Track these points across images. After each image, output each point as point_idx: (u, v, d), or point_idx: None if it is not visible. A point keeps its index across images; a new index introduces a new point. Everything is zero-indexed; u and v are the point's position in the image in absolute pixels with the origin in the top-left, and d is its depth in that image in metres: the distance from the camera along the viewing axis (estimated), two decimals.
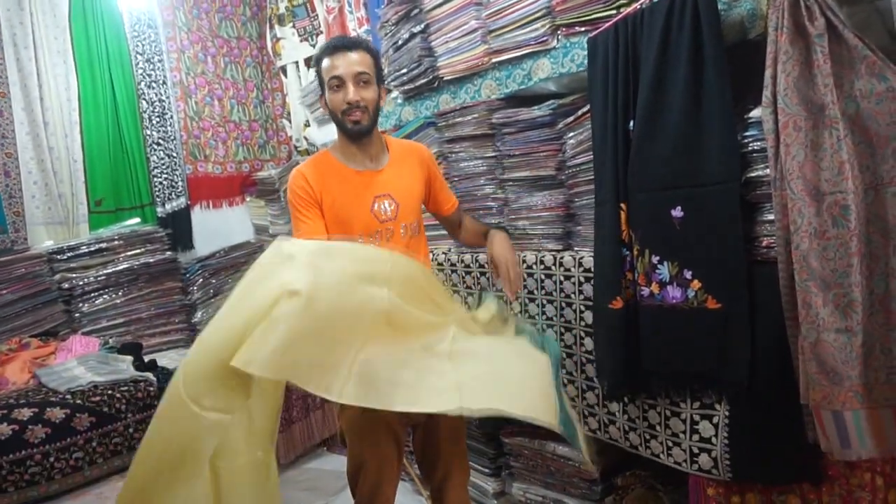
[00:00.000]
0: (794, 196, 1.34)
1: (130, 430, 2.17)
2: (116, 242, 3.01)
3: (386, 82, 2.89)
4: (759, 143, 1.50)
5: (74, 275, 2.86)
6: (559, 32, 2.02)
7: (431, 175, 1.82)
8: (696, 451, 1.67)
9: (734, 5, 1.58)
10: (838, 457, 1.37)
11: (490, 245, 1.75)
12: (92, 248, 2.94)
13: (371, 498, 1.72)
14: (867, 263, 1.26)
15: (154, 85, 3.44)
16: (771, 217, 1.47)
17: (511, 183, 2.27)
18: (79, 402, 2.11)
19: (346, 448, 1.78)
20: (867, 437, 1.32)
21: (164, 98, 3.49)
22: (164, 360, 2.74)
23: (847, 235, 1.28)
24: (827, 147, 1.32)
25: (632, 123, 1.71)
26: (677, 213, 1.60)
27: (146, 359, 2.64)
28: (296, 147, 3.97)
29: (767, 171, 1.44)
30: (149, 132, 3.41)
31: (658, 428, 1.78)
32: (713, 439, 1.63)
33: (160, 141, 3.45)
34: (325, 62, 1.63)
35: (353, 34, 3.25)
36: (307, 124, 3.70)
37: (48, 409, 2.03)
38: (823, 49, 1.32)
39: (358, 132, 1.65)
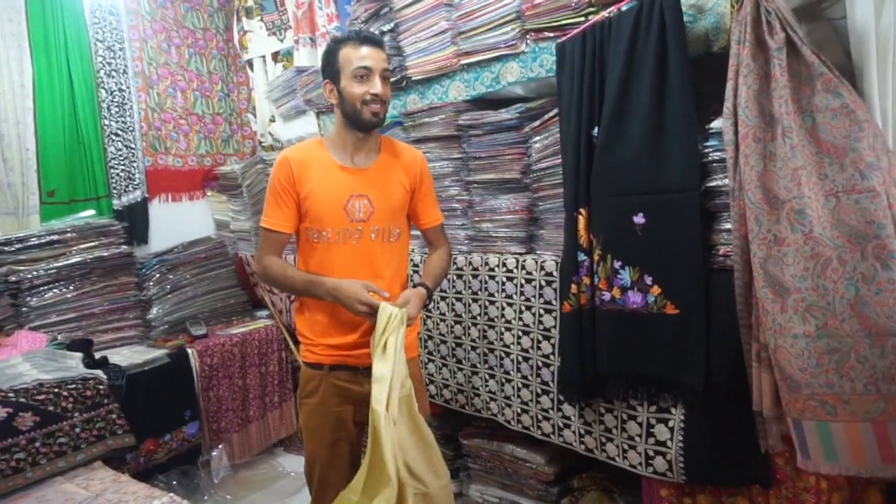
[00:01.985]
0: (751, 205, 1.37)
1: (77, 429, 2.09)
2: (69, 235, 2.90)
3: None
4: (719, 154, 1.54)
5: (23, 267, 2.74)
6: (528, 37, 2.03)
7: (417, 184, 1.79)
8: (651, 454, 1.70)
9: (699, 18, 1.61)
10: (801, 467, 1.35)
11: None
12: (43, 240, 2.82)
13: (321, 494, 1.72)
14: (834, 268, 1.27)
15: (114, 74, 3.33)
16: (729, 226, 1.50)
17: (476, 185, 2.27)
18: (22, 400, 2.01)
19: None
20: (844, 453, 1.27)
21: (124, 88, 3.38)
22: (117, 357, 2.65)
23: (802, 240, 1.30)
24: (782, 156, 1.35)
25: (597, 130, 1.73)
26: (639, 219, 1.62)
27: (97, 356, 2.54)
28: (260, 142, 3.90)
29: (726, 180, 1.48)
30: (107, 122, 3.29)
31: (614, 431, 1.80)
32: (668, 443, 1.66)
33: (119, 131, 3.34)
34: (351, 50, 1.62)
35: (321, 30, 3.22)
36: (272, 120, 3.64)
37: None
38: (781, 63, 1.35)
39: (373, 125, 1.66)
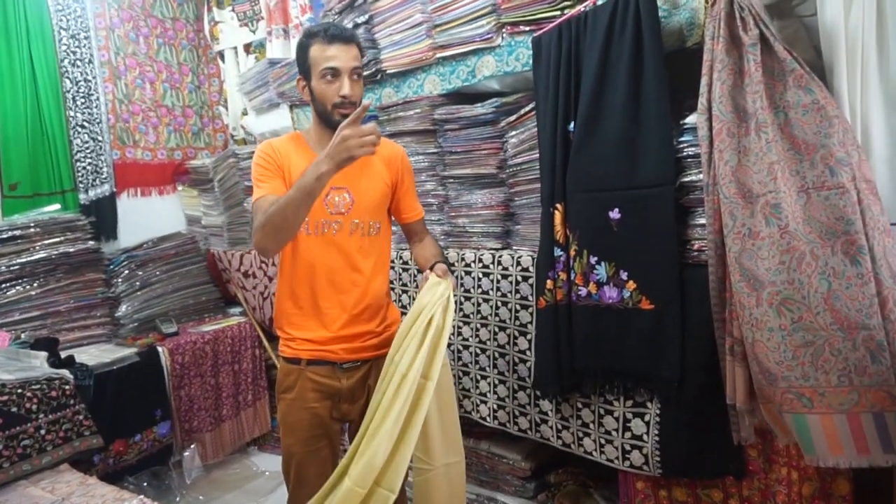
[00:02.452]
0: (726, 199, 1.38)
1: (42, 431, 2.03)
2: (32, 230, 2.81)
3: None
4: (693, 149, 1.54)
5: None
6: (504, 30, 2.02)
7: (399, 178, 1.76)
8: (627, 448, 1.71)
9: (674, 13, 1.62)
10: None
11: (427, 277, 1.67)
12: (5, 236, 2.73)
13: (298, 492, 1.69)
14: (808, 262, 1.29)
15: (79, 63, 3.24)
16: (703, 221, 1.51)
17: (452, 180, 2.26)
18: None
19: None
20: (821, 444, 1.29)
21: (90, 78, 3.28)
22: (84, 356, 2.58)
23: (778, 234, 1.32)
24: (757, 151, 1.36)
25: (572, 125, 1.73)
26: (615, 214, 1.63)
27: (63, 355, 2.47)
28: (232, 136, 3.83)
29: (701, 175, 1.48)
30: (72, 113, 3.20)
31: (591, 426, 1.81)
32: (645, 437, 1.67)
33: (85, 123, 3.25)
34: (320, 49, 1.57)
35: (294, 21, 3.16)
36: (245, 113, 3.57)
37: None
38: (756, 58, 1.37)
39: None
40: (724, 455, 1.57)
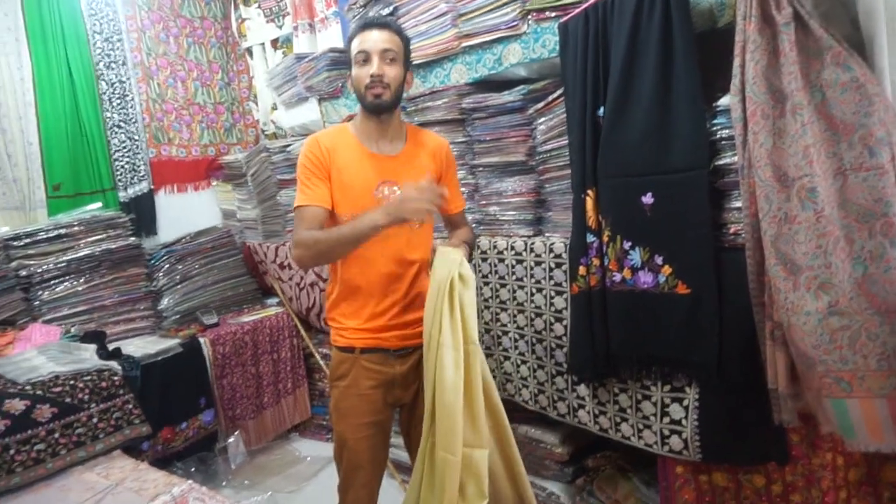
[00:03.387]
0: (761, 183, 1.36)
1: (94, 420, 2.12)
2: (76, 228, 2.91)
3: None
4: (727, 131, 1.52)
5: (32, 262, 2.76)
6: (530, 17, 2.01)
7: (443, 170, 1.80)
8: (666, 433, 1.71)
9: None
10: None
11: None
12: (51, 235, 2.84)
13: (350, 476, 1.74)
14: (842, 247, 1.27)
15: (113, 65, 3.32)
16: (739, 204, 1.50)
17: (481, 168, 2.27)
18: (39, 392, 2.05)
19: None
20: (861, 429, 1.28)
21: (124, 79, 3.37)
22: (130, 347, 2.68)
23: (815, 217, 1.29)
24: (793, 133, 1.34)
25: (602, 110, 1.72)
26: (647, 199, 1.62)
27: (110, 347, 2.58)
28: (263, 131, 3.89)
29: (735, 158, 1.47)
30: (109, 114, 3.29)
31: (629, 411, 1.81)
32: (683, 421, 1.67)
33: (121, 123, 3.34)
34: (356, 38, 1.65)
35: (320, 16, 3.19)
36: (274, 107, 3.62)
37: (7, 401, 1.96)
38: (790, 37, 1.33)
39: (376, 106, 1.64)
40: (766, 440, 1.55)
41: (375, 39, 1.62)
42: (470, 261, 1.73)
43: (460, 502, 1.52)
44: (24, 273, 2.73)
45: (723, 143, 1.55)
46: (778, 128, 1.36)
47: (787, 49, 1.34)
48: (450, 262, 1.57)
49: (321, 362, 3.31)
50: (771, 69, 1.37)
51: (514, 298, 2.14)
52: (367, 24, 1.65)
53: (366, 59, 1.62)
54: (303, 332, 3.35)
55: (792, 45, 1.33)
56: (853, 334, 1.26)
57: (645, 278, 1.64)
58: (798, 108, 1.32)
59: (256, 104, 3.90)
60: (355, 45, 1.65)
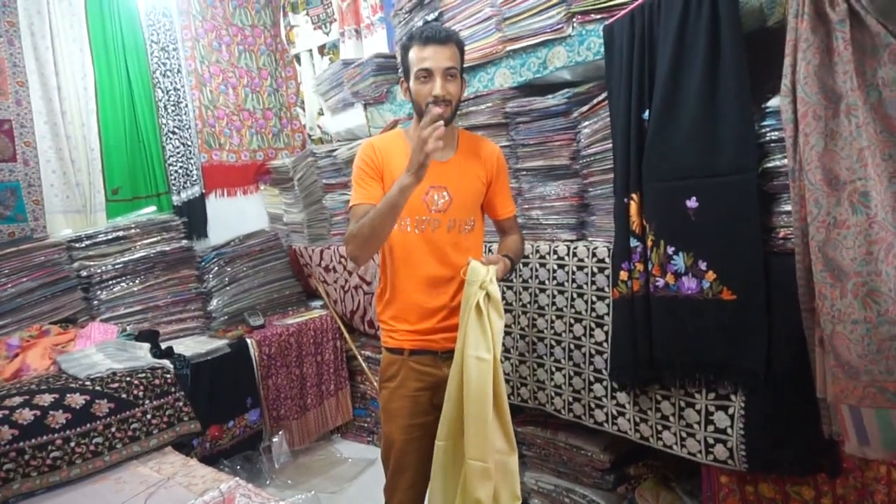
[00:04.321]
0: (811, 186, 1.32)
1: (148, 416, 2.20)
2: (133, 231, 3.04)
3: (399, 70, 2.90)
4: (776, 133, 1.48)
5: (92, 263, 2.89)
6: (574, 20, 2.00)
7: (493, 176, 1.81)
8: (711, 441, 1.67)
9: None
10: (855, 453, 1.34)
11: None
12: (109, 237, 2.97)
13: (397, 478, 1.76)
14: (894, 254, 1.23)
15: (169, 74, 3.46)
16: (788, 208, 1.46)
17: (525, 172, 2.26)
18: (98, 388, 2.14)
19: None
20: None
21: (179, 87, 3.50)
22: (181, 347, 2.77)
23: (867, 223, 1.25)
24: (846, 135, 1.29)
25: (647, 113, 1.70)
26: (692, 203, 1.59)
27: (163, 346, 2.67)
28: (309, 136, 3.97)
29: (785, 161, 1.43)
30: (164, 121, 3.43)
31: (671, 419, 1.77)
32: (728, 430, 1.63)
33: (175, 129, 3.47)
34: (416, 52, 1.64)
35: (366, 22, 3.24)
36: (321, 113, 3.70)
37: (68, 395, 2.06)
38: (845, 36, 1.29)
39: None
40: (816, 451, 1.50)
41: (438, 57, 1.61)
42: (512, 270, 1.74)
43: None
44: (84, 273, 2.86)
45: (772, 145, 1.51)
46: (830, 129, 1.31)
47: (841, 48, 1.29)
48: (479, 279, 1.56)
49: (364, 365, 3.35)
50: (824, 68, 1.33)
51: (554, 303, 2.12)
52: (429, 38, 1.63)
53: (427, 76, 1.62)
54: (346, 334, 3.39)
55: (847, 44, 1.29)
56: None
57: (689, 284, 1.61)
58: (853, 108, 1.28)
59: (303, 109, 3.99)
60: (415, 59, 1.64)
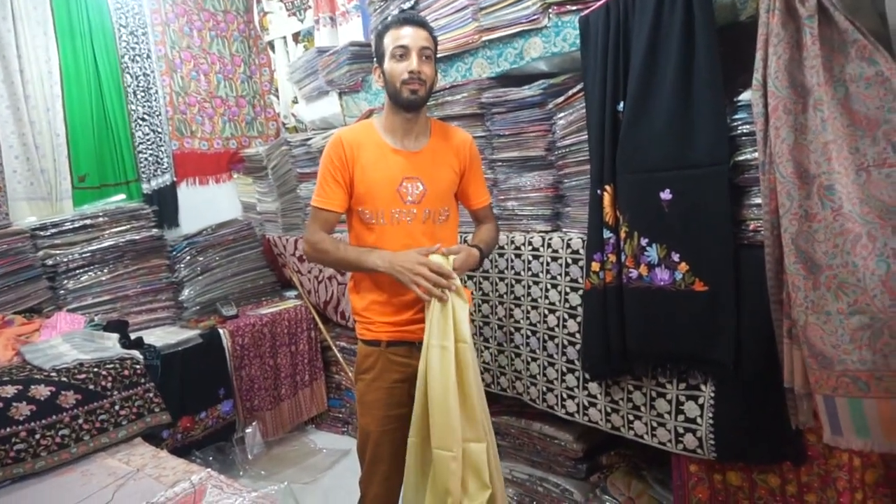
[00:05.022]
0: (782, 179, 1.35)
1: (116, 407, 2.17)
2: (101, 219, 2.97)
3: (375, 59, 2.87)
4: (748, 127, 1.50)
5: (58, 251, 2.82)
6: (551, 11, 2.00)
7: (466, 165, 1.81)
8: (681, 431, 1.70)
9: None
10: (828, 442, 1.36)
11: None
12: (76, 225, 2.90)
13: (373, 470, 1.76)
14: (864, 244, 1.25)
15: (138, 59, 3.37)
16: (758, 200, 1.48)
17: (500, 163, 2.26)
18: (64, 379, 2.09)
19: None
20: (876, 429, 1.27)
21: (148, 72, 3.42)
22: (151, 337, 2.73)
23: (832, 216, 1.28)
24: (814, 129, 1.32)
25: (622, 105, 1.71)
26: (666, 195, 1.60)
27: (132, 336, 2.62)
28: (284, 124, 3.92)
29: (756, 154, 1.45)
30: (133, 107, 3.35)
31: (643, 409, 1.80)
32: (698, 419, 1.66)
33: (145, 116, 3.39)
34: (392, 32, 1.65)
35: (341, 9, 3.20)
36: (295, 101, 3.65)
37: (33, 387, 2.01)
38: (813, 31, 1.31)
39: (411, 103, 1.66)
40: (782, 439, 1.53)
41: (415, 36, 1.63)
42: (482, 261, 1.76)
43: (464, 498, 1.53)
44: (50, 262, 2.80)
45: (743, 138, 1.53)
46: (800, 123, 1.34)
47: (809, 43, 1.31)
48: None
49: (339, 355, 3.33)
50: (794, 63, 1.35)
51: (529, 294, 2.13)
52: (405, 20, 1.65)
53: (404, 54, 1.63)
54: (321, 325, 3.37)
55: (815, 39, 1.31)
56: (874, 333, 1.25)
57: (661, 275, 1.63)
58: (819, 103, 1.30)
59: (277, 97, 3.93)
60: (391, 40, 1.64)
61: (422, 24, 1.67)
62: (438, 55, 2.36)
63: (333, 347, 3.35)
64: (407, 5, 2.47)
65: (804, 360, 1.36)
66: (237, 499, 1.67)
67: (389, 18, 1.71)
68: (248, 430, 2.96)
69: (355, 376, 1.83)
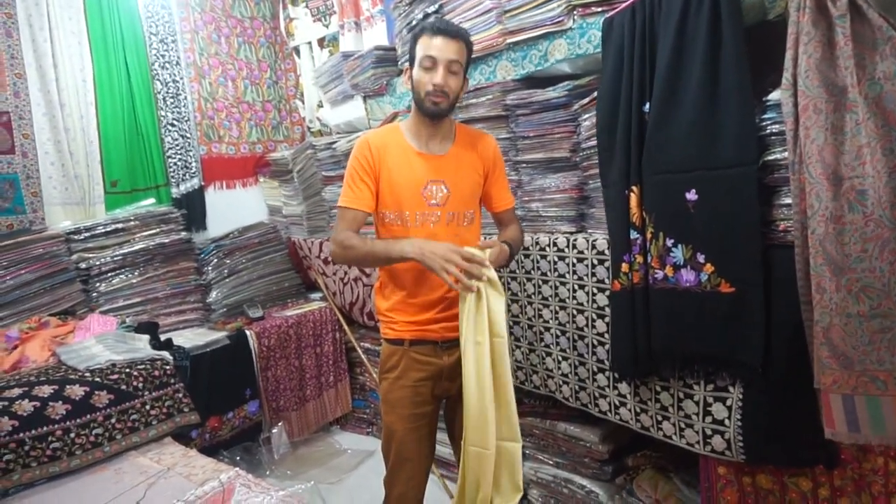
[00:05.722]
0: (811, 180, 1.33)
1: (147, 407, 2.21)
2: (132, 223, 3.03)
3: (399, 62, 2.89)
4: (777, 126, 1.48)
5: (91, 255, 2.89)
6: (576, 12, 2.00)
7: (490, 168, 1.82)
8: (709, 432, 1.68)
9: None
10: (845, 441, 1.37)
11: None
12: (108, 229, 2.97)
13: (398, 468, 1.77)
14: (892, 248, 1.24)
15: (168, 66, 3.45)
16: (788, 201, 1.46)
17: (525, 165, 2.26)
18: (97, 379, 2.14)
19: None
20: (892, 425, 1.30)
21: (178, 79, 3.49)
22: (180, 339, 2.78)
23: (862, 221, 1.27)
24: (847, 131, 1.30)
25: (647, 105, 1.70)
26: (692, 195, 1.59)
27: (162, 338, 2.67)
28: (309, 128, 3.97)
29: (786, 154, 1.43)
30: (163, 113, 3.42)
31: (670, 410, 1.78)
32: (726, 421, 1.64)
33: (174, 122, 3.46)
34: (424, 40, 1.66)
35: (366, 14, 3.23)
36: (320, 105, 3.69)
37: (68, 387, 2.06)
38: (845, 30, 1.29)
39: (434, 114, 1.68)
40: (814, 442, 1.51)
41: (444, 49, 1.62)
42: (511, 258, 1.75)
43: (495, 496, 1.53)
44: (83, 265, 2.86)
45: (772, 138, 1.51)
46: (831, 123, 1.32)
47: (842, 42, 1.30)
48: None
49: (363, 356, 3.36)
50: (825, 62, 1.33)
51: (556, 295, 2.13)
52: (439, 30, 1.64)
53: (431, 66, 1.63)
54: (345, 326, 3.40)
55: (847, 38, 1.29)
56: (894, 336, 1.26)
57: (687, 276, 1.61)
58: (853, 105, 1.28)
59: (303, 102, 3.98)
60: (422, 48, 1.65)
61: (456, 34, 1.65)
62: None
63: (358, 349, 3.37)
64: (431, 9, 2.49)
65: (821, 360, 1.35)
66: (265, 497, 1.69)
67: (427, 22, 1.71)
68: (275, 431, 2.99)
69: (380, 375, 1.85)
